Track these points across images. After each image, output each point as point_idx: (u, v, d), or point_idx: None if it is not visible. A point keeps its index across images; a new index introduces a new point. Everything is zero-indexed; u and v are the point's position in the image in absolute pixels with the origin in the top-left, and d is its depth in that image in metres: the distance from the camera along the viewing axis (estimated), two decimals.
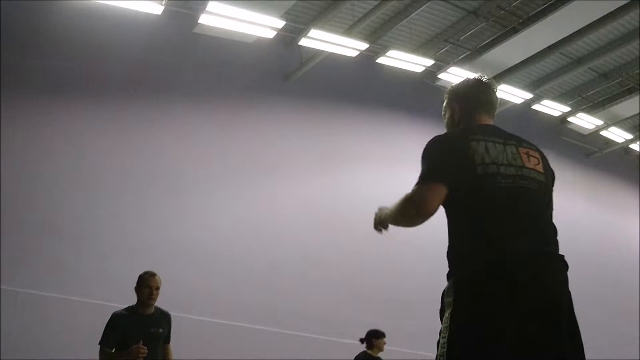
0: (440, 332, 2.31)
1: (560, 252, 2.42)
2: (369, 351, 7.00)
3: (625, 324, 13.70)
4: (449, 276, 2.36)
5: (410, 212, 2.36)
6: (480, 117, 2.61)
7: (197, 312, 8.99)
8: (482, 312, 2.20)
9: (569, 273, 2.42)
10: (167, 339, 5.05)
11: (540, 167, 2.47)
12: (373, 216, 2.69)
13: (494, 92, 2.71)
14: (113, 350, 4.79)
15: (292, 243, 10.83)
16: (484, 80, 2.72)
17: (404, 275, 11.12)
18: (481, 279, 2.24)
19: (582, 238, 14.43)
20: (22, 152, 9.13)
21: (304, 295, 10.51)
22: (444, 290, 2.37)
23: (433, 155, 2.41)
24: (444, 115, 2.75)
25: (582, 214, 14.80)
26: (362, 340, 7.10)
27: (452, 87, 2.77)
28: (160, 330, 4.88)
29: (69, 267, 8.78)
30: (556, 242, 2.43)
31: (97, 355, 8.02)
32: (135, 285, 4.89)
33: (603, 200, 15.42)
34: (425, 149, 2.44)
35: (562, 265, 2.39)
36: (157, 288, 4.88)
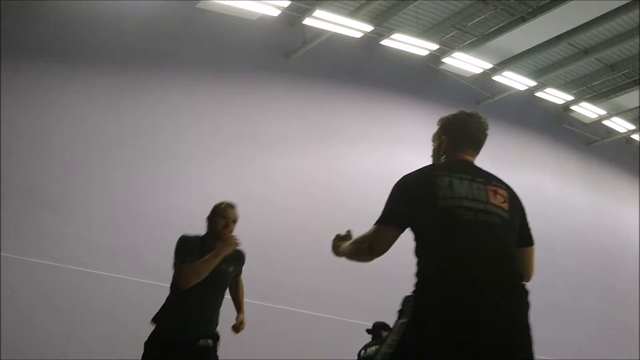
0: (391, 329, 2.41)
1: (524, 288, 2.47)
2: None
3: (623, 312, 13.88)
4: (414, 291, 2.45)
5: (365, 251, 2.59)
6: (463, 152, 2.72)
7: None
8: (434, 338, 2.28)
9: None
10: (238, 274, 4.44)
11: (506, 205, 2.55)
12: (331, 244, 2.95)
13: (484, 129, 2.79)
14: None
15: (288, 219, 10.83)
16: (476, 116, 2.80)
17: (400, 254, 11.13)
18: (439, 306, 2.32)
19: (581, 225, 14.52)
20: (18, 120, 9.04)
21: (299, 271, 10.53)
22: (406, 297, 2.48)
23: (393, 198, 2.57)
24: (433, 142, 2.85)
25: (581, 202, 14.85)
26: (369, 331, 6.92)
27: (444, 117, 2.84)
28: (231, 269, 4.22)
29: (56, 235, 8.73)
30: (519, 275, 2.47)
31: (85, 321, 8.19)
32: (208, 215, 4.31)
33: (602, 188, 15.44)
34: (391, 190, 2.59)
35: (522, 297, 2.44)
36: (234, 221, 4.23)
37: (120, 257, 8.94)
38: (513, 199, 2.62)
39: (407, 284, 2.46)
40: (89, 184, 9.39)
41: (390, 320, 6.95)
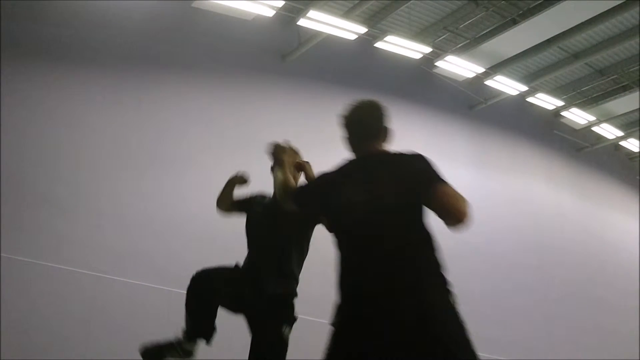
0: None
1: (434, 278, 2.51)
2: None
3: (612, 319, 13.88)
4: None
5: (279, 196, 3.24)
6: (364, 146, 2.87)
7: None
8: (342, 336, 2.50)
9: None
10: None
11: (393, 187, 2.54)
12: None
13: (373, 115, 2.92)
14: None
15: None
16: (363, 106, 2.95)
17: None
18: (344, 306, 2.56)
19: (569, 231, 14.60)
20: (22, 122, 8.98)
21: (302, 276, 10.44)
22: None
23: (309, 188, 3.16)
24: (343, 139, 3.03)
25: (570, 208, 14.95)
26: None
27: (341, 115, 3.02)
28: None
29: (65, 238, 8.67)
30: (418, 268, 2.46)
31: (95, 324, 8.14)
32: None
33: (591, 195, 15.58)
34: (315, 177, 3.14)
35: (428, 289, 2.42)
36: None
37: (129, 261, 8.88)
38: (398, 168, 2.63)
39: None
40: (97, 187, 9.33)
41: None
